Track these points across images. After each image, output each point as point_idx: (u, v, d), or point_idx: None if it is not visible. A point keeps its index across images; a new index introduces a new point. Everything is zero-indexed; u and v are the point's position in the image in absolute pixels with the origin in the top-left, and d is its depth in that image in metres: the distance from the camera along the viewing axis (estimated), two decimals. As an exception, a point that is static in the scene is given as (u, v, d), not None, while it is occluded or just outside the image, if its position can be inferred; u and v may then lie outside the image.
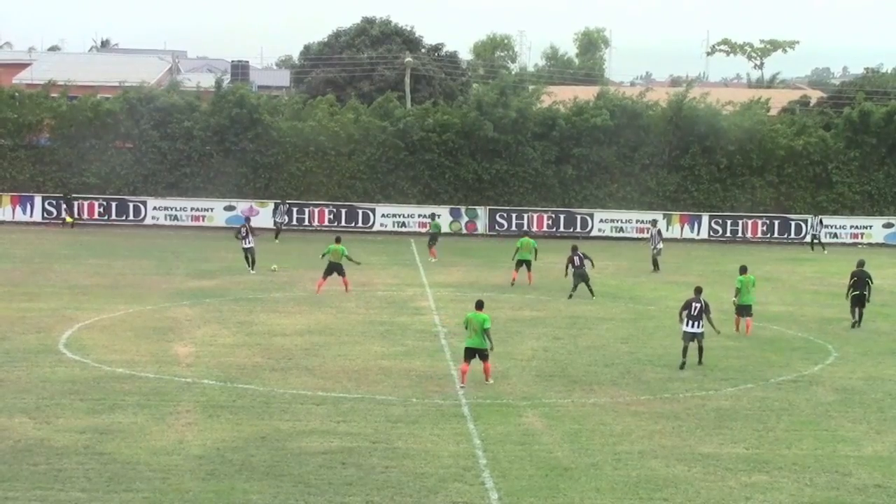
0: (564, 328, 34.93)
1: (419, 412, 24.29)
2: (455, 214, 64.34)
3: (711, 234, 64.51)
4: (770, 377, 28.79)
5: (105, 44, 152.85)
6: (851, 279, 36.93)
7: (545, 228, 63.45)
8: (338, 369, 28.16)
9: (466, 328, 27.15)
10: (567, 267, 41.78)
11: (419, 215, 63.70)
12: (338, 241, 41.76)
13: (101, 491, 18.77)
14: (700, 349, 30.00)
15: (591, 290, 41.00)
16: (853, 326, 36.40)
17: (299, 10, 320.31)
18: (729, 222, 65.09)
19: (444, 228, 60.20)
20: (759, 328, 35.83)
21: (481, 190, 65.01)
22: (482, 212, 64.41)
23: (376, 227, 63.44)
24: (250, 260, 45.49)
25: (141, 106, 64.62)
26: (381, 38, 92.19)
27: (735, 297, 34.93)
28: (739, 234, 64.75)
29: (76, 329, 32.51)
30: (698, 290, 30.30)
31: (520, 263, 44.43)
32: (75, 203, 62.53)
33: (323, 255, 41.46)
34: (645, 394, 26.58)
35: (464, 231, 64.03)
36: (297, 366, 28.43)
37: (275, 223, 59.47)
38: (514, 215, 64.29)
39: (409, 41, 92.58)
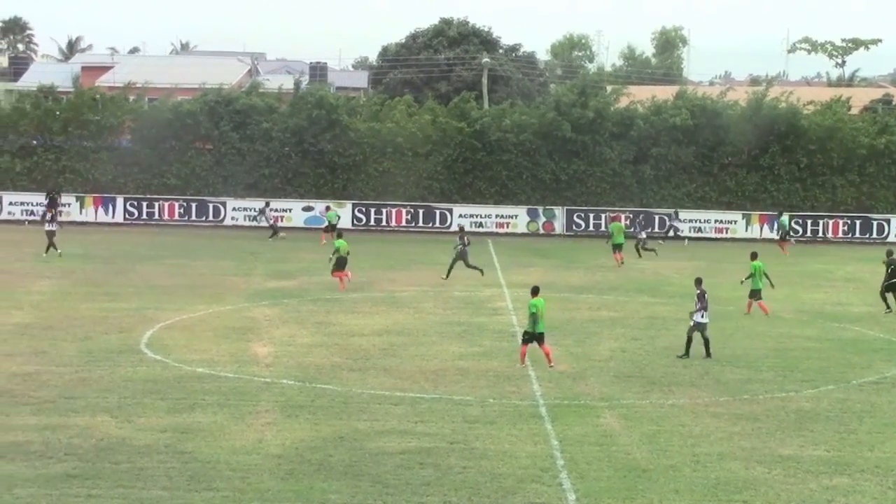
0: (642, 329, 34.77)
1: (497, 413, 24.28)
2: (532, 215, 64.27)
3: (791, 233, 63.74)
4: (851, 378, 28.43)
5: (185, 46, 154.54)
6: (888, 269, 38.63)
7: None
8: (415, 370, 28.23)
9: (537, 315, 28.18)
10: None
11: (496, 216, 63.89)
12: (340, 236, 43.06)
13: (182, 489, 18.98)
14: (706, 340, 30.37)
15: (468, 267, 43.41)
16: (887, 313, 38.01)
17: (377, 11, 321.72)
18: (809, 222, 64.39)
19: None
20: (840, 329, 35.44)
21: (559, 190, 64.85)
22: (560, 212, 64.26)
23: (454, 228, 63.36)
24: (49, 242, 48.08)
25: (220, 108, 65.29)
26: (458, 38, 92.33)
27: (746, 278, 37.46)
28: (820, 234, 64.01)
29: (157, 329, 32.89)
30: (700, 281, 31.05)
31: (615, 247, 49.61)
32: (59, 200, 61.77)
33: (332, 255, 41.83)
34: (724, 395, 26.36)
35: (541, 231, 63.98)
36: (374, 366, 28.53)
37: (270, 225, 59.14)
38: (591, 215, 64.05)
39: (487, 42, 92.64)
